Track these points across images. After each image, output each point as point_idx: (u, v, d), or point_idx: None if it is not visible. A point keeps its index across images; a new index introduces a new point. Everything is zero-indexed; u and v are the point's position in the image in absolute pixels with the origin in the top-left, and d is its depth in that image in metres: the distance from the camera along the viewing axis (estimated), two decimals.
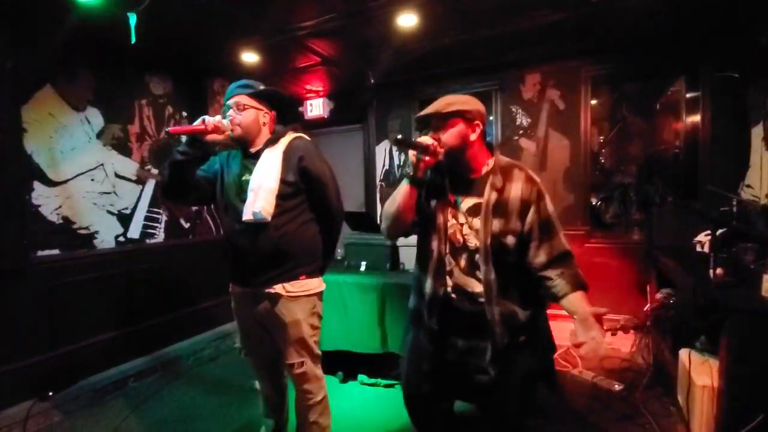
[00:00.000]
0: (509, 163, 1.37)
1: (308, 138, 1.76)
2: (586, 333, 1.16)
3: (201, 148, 1.55)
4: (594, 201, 3.78)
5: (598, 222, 3.75)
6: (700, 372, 1.88)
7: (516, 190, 1.30)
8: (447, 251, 1.36)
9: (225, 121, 1.56)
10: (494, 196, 1.30)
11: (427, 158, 1.27)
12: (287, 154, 1.65)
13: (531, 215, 1.28)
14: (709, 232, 2.24)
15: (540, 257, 1.28)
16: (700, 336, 2.03)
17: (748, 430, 1.59)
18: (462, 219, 1.35)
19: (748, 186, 2.75)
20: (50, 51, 2.49)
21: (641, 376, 2.62)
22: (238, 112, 1.62)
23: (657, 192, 3.40)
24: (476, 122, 1.32)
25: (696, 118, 3.25)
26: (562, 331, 3.22)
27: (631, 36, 3.09)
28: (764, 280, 1.64)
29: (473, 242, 1.32)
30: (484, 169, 1.36)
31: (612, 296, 3.33)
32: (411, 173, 1.31)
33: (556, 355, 2.49)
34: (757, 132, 2.66)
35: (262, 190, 1.58)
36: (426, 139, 1.29)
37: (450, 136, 1.30)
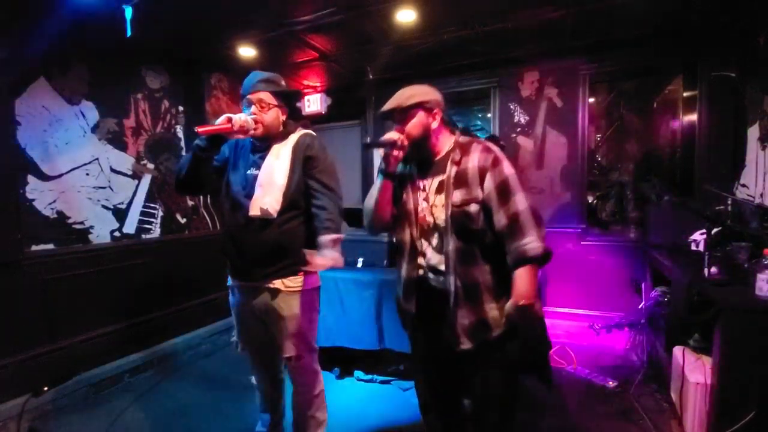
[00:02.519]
0: (469, 140, 1.43)
1: (315, 134, 1.77)
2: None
3: (221, 145, 1.59)
4: (591, 199, 3.79)
5: (595, 220, 3.77)
6: (694, 369, 1.90)
7: (473, 160, 1.35)
8: (418, 235, 1.42)
9: (250, 120, 1.55)
10: (454, 169, 1.37)
11: (395, 152, 1.36)
12: (296, 151, 1.66)
13: (488, 181, 1.32)
14: (704, 230, 2.25)
15: (502, 220, 1.29)
16: (693, 333, 2.04)
17: (740, 426, 1.61)
18: (431, 200, 1.40)
19: (743, 185, 2.76)
20: (44, 43, 2.45)
21: (635, 372, 2.64)
22: (263, 111, 1.61)
23: (653, 190, 3.42)
24: (435, 111, 1.40)
25: (693, 116, 3.26)
26: (556, 329, 3.24)
27: (629, 34, 3.09)
28: (757, 278, 1.66)
29: (441, 219, 1.36)
30: (446, 149, 1.42)
31: (607, 293, 3.36)
32: (383, 168, 1.41)
33: (551, 352, 2.50)
34: (753, 131, 2.67)
35: (270, 186, 1.59)
36: (392, 135, 1.37)
37: (413, 126, 1.38)
